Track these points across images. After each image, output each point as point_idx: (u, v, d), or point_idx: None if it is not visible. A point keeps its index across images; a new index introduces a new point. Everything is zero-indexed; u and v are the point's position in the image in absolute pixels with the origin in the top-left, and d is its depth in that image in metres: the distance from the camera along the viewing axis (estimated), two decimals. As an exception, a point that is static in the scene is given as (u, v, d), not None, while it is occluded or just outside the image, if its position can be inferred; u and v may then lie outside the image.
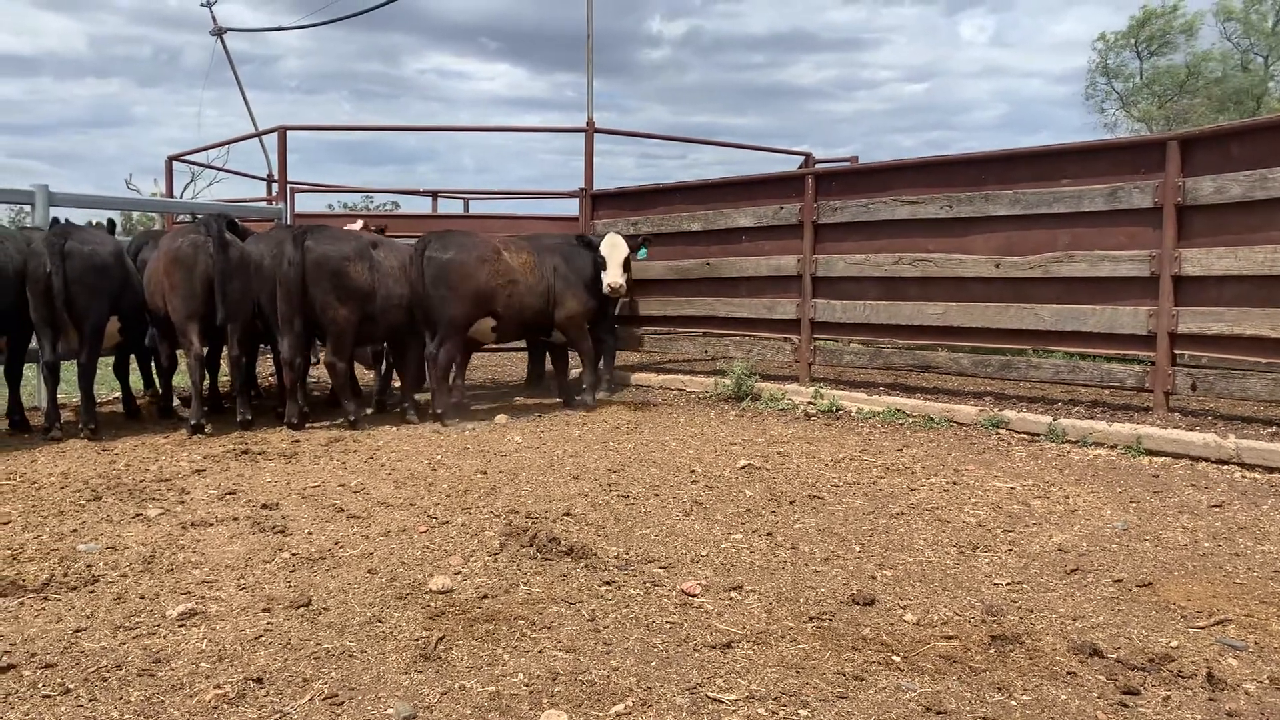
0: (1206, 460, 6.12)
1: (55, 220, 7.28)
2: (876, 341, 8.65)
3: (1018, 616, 3.53)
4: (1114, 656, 3.16)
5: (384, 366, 8.79)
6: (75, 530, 4.51)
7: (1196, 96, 28.00)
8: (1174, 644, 3.25)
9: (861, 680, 2.97)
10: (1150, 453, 6.39)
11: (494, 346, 9.60)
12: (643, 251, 8.71)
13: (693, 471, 5.91)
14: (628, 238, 8.57)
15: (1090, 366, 7.45)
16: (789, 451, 6.55)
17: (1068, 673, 3.04)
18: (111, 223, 8.21)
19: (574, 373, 9.14)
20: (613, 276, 8.26)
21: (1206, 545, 4.42)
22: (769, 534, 4.57)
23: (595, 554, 4.18)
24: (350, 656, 3.11)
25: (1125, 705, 2.82)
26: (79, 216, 8.04)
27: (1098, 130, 31.09)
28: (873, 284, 8.55)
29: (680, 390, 9.57)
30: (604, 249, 8.35)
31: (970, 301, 7.92)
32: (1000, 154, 7.90)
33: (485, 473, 5.83)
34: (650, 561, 4.13)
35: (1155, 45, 29.55)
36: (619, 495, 5.29)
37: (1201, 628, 3.41)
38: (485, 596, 3.67)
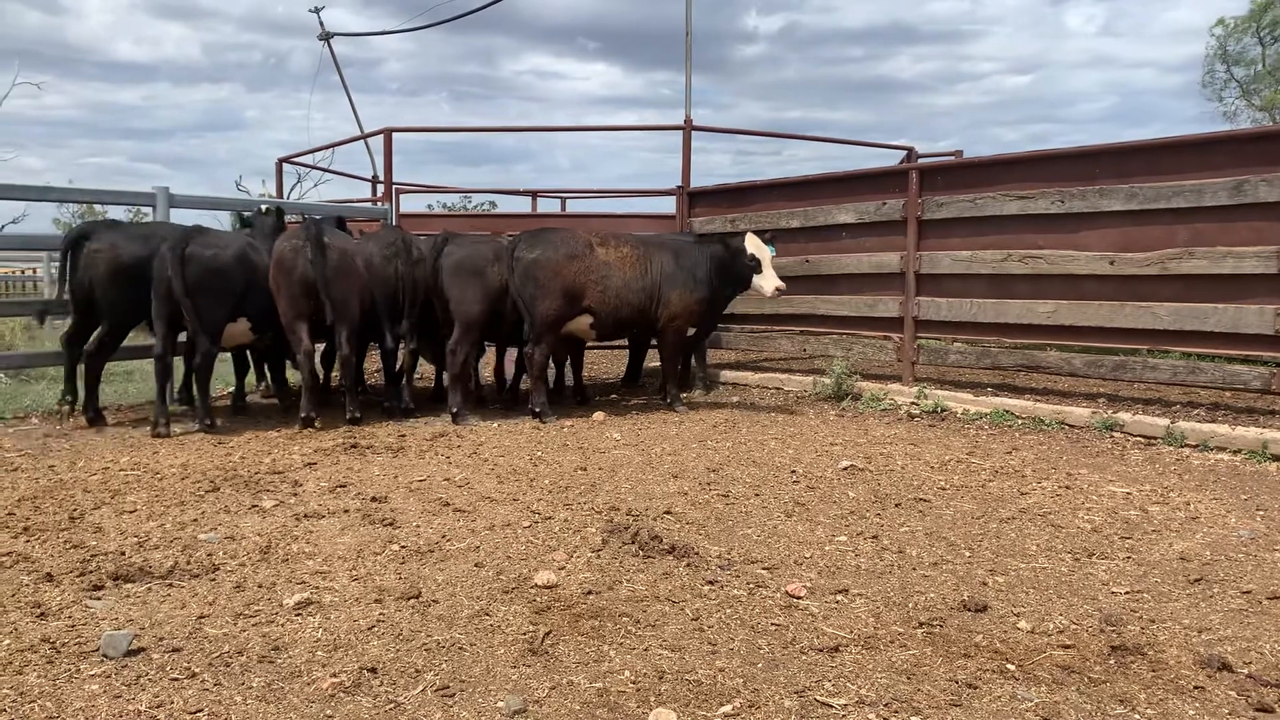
0: (1340, 467, 5.81)
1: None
2: (983, 340, 8.41)
3: (1139, 627, 3.40)
4: (1245, 671, 3.01)
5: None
6: (196, 520, 4.68)
7: (1325, 83, 26.57)
8: (1311, 660, 3.09)
9: (975, 688, 2.90)
10: (1277, 458, 6.09)
11: (597, 344, 9.66)
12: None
13: (793, 472, 5.85)
14: (758, 233, 8.32)
15: (1211, 367, 7.13)
16: (892, 453, 6.43)
17: (1195, 687, 2.91)
18: (245, 220, 8.51)
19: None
20: (774, 279, 8.07)
21: (1343, 557, 4.19)
22: (874, 537, 4.49)
23: (697, 553, 4.17)
24: (460, 649, 3.16)
25: (1259, 723, 2.70)
26: (195, 218, 8.41)
27: (1216, 120, 29.74)
28: (980, 281, 8.33)
29: (778, 389, 9.49)
30: (751, 248, 8.08)
31: (1083, 300, 7.65)
32: (1114, 147, 7.61)
33: (585, 469, 5.87)
34: (753, 562, 4.10)
35: (1279, 30, 28.06)
36: (719, 494, 5.27)
37: (1340, 644, 3.23)
38: (589, 593, 3.69)
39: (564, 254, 7.73)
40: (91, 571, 3.86)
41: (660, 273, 8.12)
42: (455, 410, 7.58)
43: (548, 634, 3.26)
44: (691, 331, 8.68)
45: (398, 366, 8.10)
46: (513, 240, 7.83)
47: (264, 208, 8.41)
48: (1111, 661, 3.10)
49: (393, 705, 2.77)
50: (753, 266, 8.09)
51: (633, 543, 4.25)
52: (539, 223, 10.49)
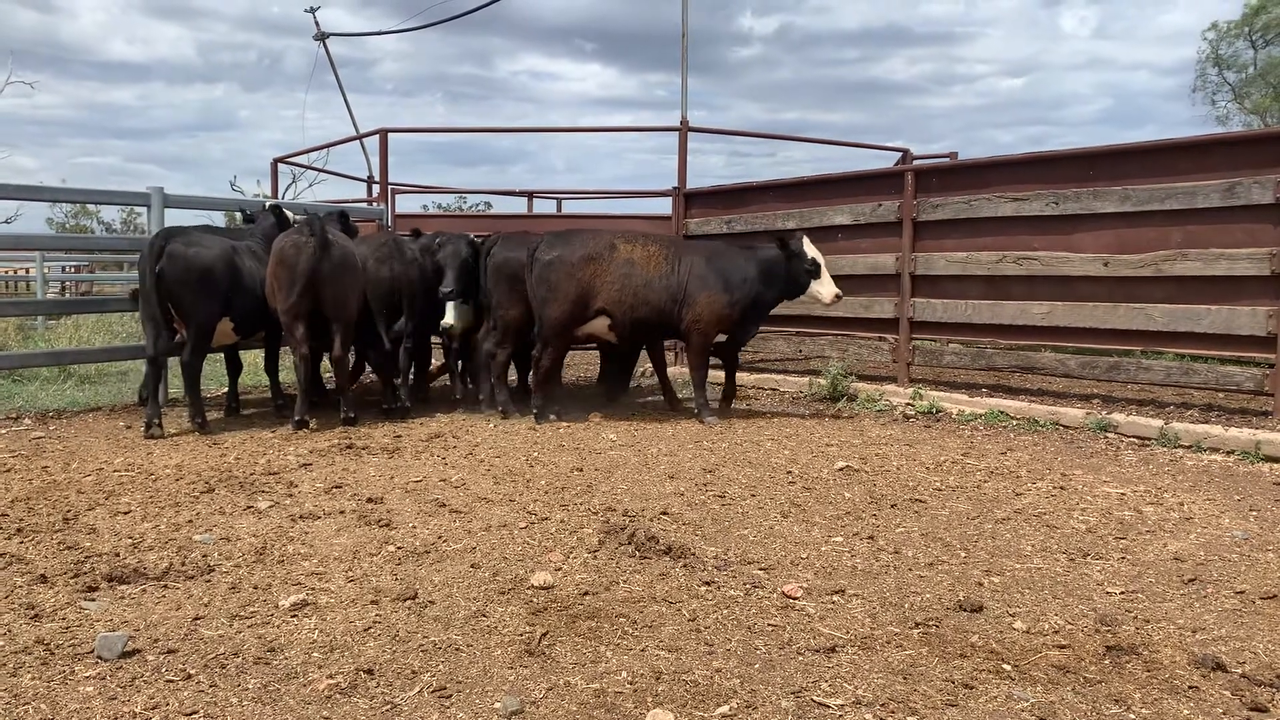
0: (1333, 468, 5.83)
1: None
2: (978, 342, 8.43)
3: (1133, 627, 3.41)
4: (1239, 671, 3.02)
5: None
6: (191, 521, 4.67)
7: (1315, 87, 26.67)
8: (1305, 660, 3.10)
9: (971, 688, 2.90)
10: (1270, 459, 6.11)
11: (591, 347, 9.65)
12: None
13: (789, 472, 5.85)
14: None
15: (1204, 369, 7.16)
16: (888, 454, 6.44)
17: (1189, 687, 2.92)
18: (248, 218, 8.54)
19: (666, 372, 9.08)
20: (832, 286, 7.64)
21: (1336, 557, 4.20)
22: (870, 537, 4.50)
23: (694, 553, 4.17)
24: (457, 650, 3.15)
25: (1253, 723, 2.71)
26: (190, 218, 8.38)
27: (1208, 123, 29.90)
28: (975, 282, 8.36)
29: (774, 390, 9.50)
30: (811, 252, 7.64)
31: (1077, 301, 7.68)
32: (1109, 149, 7.64)
33: (581, 470, 5.86)
34: (749, 562, 4.10)
35: (1271, 34, 28.13)
36: (715, 495, 5.27)
37: (1334, 644, 3.24)
38: (586, 593, 3.69)
39: (580, 256, 7.53)
40: (86, 573, 3.85)
41: (689, 274, 7.69)
42: (502, 408, 7.90)
43: (544, 635, 3.26)
44: (723, 338, 8.02)
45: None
46: (533, 241, 7.74)
47: (266, 205, 8.39)
48: (1106, 661, 3.11)
49: (389, 706, 2.76)
50: (812, 272, 7.65)
51: (629, 543, 4.25)
52: (534, 224, 10.49)
